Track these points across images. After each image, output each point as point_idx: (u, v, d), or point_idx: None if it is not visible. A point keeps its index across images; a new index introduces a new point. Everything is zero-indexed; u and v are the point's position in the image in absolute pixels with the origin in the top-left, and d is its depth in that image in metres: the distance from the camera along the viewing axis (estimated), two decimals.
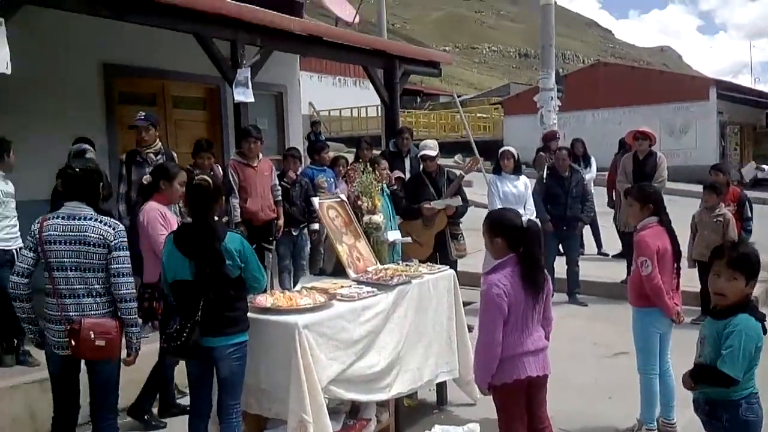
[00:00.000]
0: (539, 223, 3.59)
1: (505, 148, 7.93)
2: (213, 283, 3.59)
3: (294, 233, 7.32)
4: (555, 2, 12.56)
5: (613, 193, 9.44)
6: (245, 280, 3.78)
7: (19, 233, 5.35)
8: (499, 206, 7.26)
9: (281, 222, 7.14)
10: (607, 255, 10.26)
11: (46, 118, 7.39)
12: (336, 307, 4.14)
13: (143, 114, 6.41)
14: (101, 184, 3.82)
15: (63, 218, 3.64)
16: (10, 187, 5.33)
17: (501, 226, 3.49)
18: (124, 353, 3.83)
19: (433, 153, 6.91)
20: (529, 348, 3.45)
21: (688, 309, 6.59)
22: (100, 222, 3.65)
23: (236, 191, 6.74)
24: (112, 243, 3.63)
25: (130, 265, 3.72)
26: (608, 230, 10.19)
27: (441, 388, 5.33)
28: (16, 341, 5.24)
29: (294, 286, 6.67)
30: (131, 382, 4.99)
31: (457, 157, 26.30)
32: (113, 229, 3.66)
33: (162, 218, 4.65)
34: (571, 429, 4.74)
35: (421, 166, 7.13)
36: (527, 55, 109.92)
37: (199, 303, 3.62)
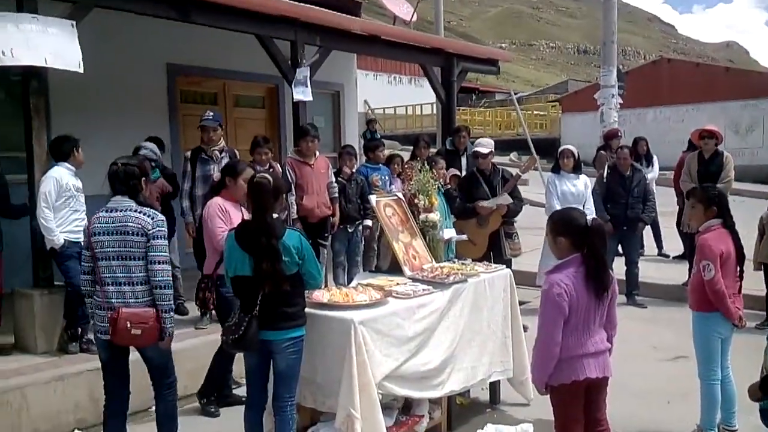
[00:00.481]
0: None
1: (565, 146, 7.82)
2: (270, 279, 3.67)
3: (349, 230, 7.39)
4: None
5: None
6: (302, 277, 3.86)
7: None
8: (557, 206, 7.20)
9: (336, 219, 7.22)
10: (668, 256, 10.02)
11: (113, 116, 7.68)
12: (391, 304, 4.18)
13: (211, 114, 6.54)
14: (143, 178, 4.02)
15: (107, 211, 3.87)
16: (79, 183, 5.53)
17: (565, 225, 3.44)
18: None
19: (485, 150, 6.87)
20: (590, 350, 3.40)
21: (752, 313, 6.43)
22: (139, 212, 3.84)
23: (293, 188, 6.85)
24: (150, 232, 3.80)
25: (167, 254, 3.89)
26: (669, 231, 9.96)
27: (494, 387, 5.32)
28: (80, 330, 5.45)
29: (347, 282, 6.78)
30: (191, 372, 5.18)
31: (513, 155, 26.10)
32: (151, 218, 3.84)
33: (222, 213, 4.76)
34: None
35: (475, 166, 7.11)
36: (586, 51, 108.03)
37: (257, 298, 3.72)
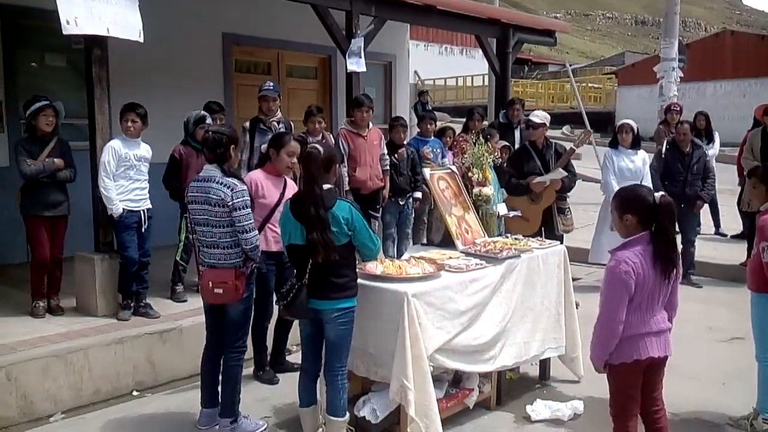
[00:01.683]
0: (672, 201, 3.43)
1: (624, 121, 7.59)
2: (320, 248, 3.70)
3: (401, 202, 7.38)
4: None
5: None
6: (356, 248, 3.88)
7: (147, 195, 5.67)
8: (614, 182, 7.07)
9: (387, 191, 7.21)
10: (725, 235, 9.75)
11: (168, 85, 7.80)
12: (444, 277, 4.18)
13: (271, 84, 6.58)
14: (232, 146, 4.19)
15: (199, 181, 4.16)
16: (142, 151, 5.61)
17: (633, 203, 3.35)
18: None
19: (538, 120, 6.71)
20: (653, 328, 3.35)
21: None
22: (222, 184, 4.04)
23: (345, 160, 6.86)
24: (230, 203, 4.01)
25: (251, 221, 4.11)
26: (728, 209, 9.68)
27: (544, 363, 5.29)
28: (135, 296, 5.61)
29: (397, 255, 6.81)
30: None
31: (566, 129, 25.61)
32: (231, 190, 4.02)
33: (252, 189, 4.64)
34: (682, 414, 4.60)
35: (526, 140, 6.98)
36: (644, 22, 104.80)
37: (307, 266, 3.78)
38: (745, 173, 7.83)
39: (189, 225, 4.37)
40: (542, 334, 4.88)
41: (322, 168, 3.79)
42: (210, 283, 4.10)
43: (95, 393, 4.94)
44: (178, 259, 6.08)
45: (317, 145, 3.89)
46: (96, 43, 5.40)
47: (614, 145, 7.44)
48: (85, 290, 5.63)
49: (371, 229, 4.04)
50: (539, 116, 6.79)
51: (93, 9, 5.14)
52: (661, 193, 3.41)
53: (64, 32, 5.01)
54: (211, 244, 4.13)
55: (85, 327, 5.26)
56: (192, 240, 4.36)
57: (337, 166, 3.98)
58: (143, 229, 5.61)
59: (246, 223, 4.07)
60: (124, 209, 5.44)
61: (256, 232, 4.21)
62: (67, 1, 4.99)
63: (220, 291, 4.09)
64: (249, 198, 4.15)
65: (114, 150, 5.40)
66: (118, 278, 5.58)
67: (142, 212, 5.59)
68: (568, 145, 6.92)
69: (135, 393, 5.11)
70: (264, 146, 5.36)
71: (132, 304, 5.57)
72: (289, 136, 4.94)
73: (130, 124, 5.51)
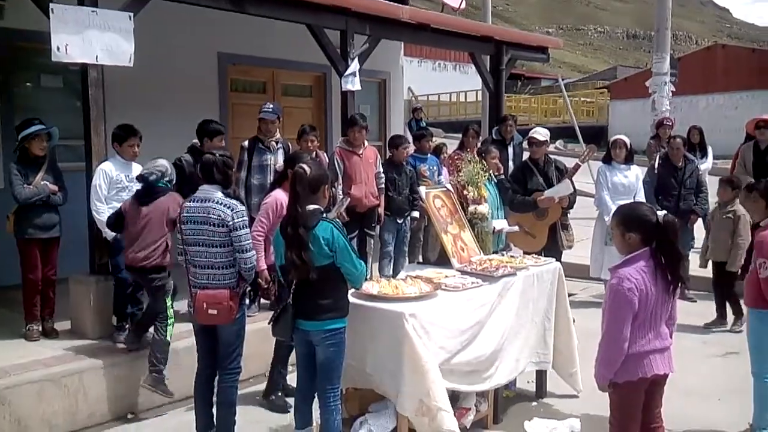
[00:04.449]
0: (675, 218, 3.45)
1: (618, 136, 7.62)
2: (295, 268, 3.71)
3: (398, 221, 7.39)
4: None
5: None
6: (341, 270, 3.82)
7: None
8: (607, 197, 7.11)
9: (382, 209, 7.23)
10: None
11: (164, 105, 7.81)
12: (441, 296, 4.20)
13: (271, 106, 6.66)
14: (233, 169, 4.30)
15: (196, 201, 4.17)
16: (134, 173, 5.49)
17: (636, 221, 3.35)
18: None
19: (541, 138, 6.76)
20: (657, 346, 3.35)
21: None
22: (223, 205, 4.09)
23: (341, 178, 6.89)
24: (230, 223, 4.06)
25: (250, 242, 4.16)
26: None
27: (540, 380, 5.31)
28: (131, 318, 5.58)
29: (393, 273, 6.81)
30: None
31: (559, 143, 25.70)
32: (232, 210, 4.08)
33: (276, 208, 4.82)
34: (680, 430, 4.60)
35: (527, 155, 7.01)
36: (636, 36, 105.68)
37: (291, 286, 3.81)
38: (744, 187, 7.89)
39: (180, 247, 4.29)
40: (529, 350, 4.90)
41: (308, 188, 3.78)
42: (204, 304, 4.09)
43: (90, 416, 4.91)
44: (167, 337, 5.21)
45: (305, 165, 3.89)
46: (92, 66, 5.42)
47: (607, 160, 7.46)
48: (80, 312, 5.60)
49: (363, 251, 4.05)
50: (541, 133, 6.83)
51: (86, 36, 5.19)
52: (664, 212, 3.43)
53: (54, 59, 5.08)
54: (205, 264, 4.13)
55: (80, 350, 5.24)
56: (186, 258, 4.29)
57: (327, 187, 3.96)
58: None
59: (245, 243, 4.11)
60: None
61: (254, 252, 4.25)
62: (61, 26, 5.04)
63: (215, 312, 4.09)
64: (248, 219, 4.20)
65: (105, 173, 5.39)
66: (113, 300, 5.55)
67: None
68: (567, 162, 6.94)
69: (130, 416, 5.08)
70: (279, 165, 5.51)
71: (127, 326, 5.55)
72: (303, 156, 4.99)
73: (137, 149, 5.57)
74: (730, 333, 6.70)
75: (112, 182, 5.41)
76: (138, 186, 5.13)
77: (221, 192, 4.17)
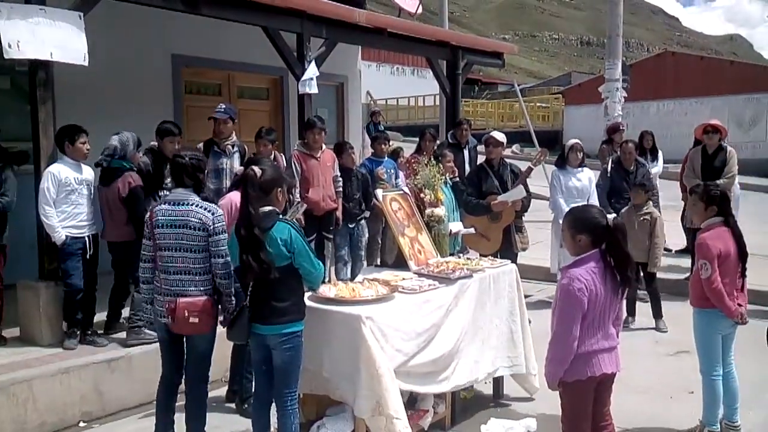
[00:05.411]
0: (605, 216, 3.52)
1: (575, 141, 7.73)
2: (250, 269, 3.67)
3: (351, 225, 7.38)
4: None
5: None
6: (299, 271, 3.80)
7: (92, 220, 5.53)
8: (562, 200, 7.22)
9: (340, 213, 7.22)
10: (670, 251, 10.01)
11: (117, 107, 7.64)
12: (398, 299, 4.20)
13: (223, 106, 6.58)
14: (206, 172, 4.18)
15: (170, 204, 4.01)
16: (85, 174, 5.48)
17: (585, 224, 3.41)
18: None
19: (500, 138, 6.85)
20: (604, 345, 3.41)
21: (755, 309, 6.43)
22: (202, 208, 3.97)
23: (298, 181, 6.85)
24: (211, 227, 3.93)
25: (226, 247, 3.97)
26: (673, 225, 9.96)
27: (498, 381, 5.35)
28: (82, 325, 5.47)
29: (351, 277, 6.79)
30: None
31: (515, 147, 26.01)
32: (212, 214, 3.96)
33: (231, 210, 4.71)
34: (631, 428, 4.69)
35: (482, 159, 7.07)
36: (589, 42, 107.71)
37: (247, 289, 3.77)
38: (687, 190, 8.10)
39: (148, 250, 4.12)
40: (493, 353, 4.92)
41: (259, 189, 3.75)
42: (186, 312, 3.90)
43: (41, 425, 4.79)
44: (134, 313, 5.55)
45: (256, 167, 3.85)
46: (41, 66, 5.30)
47: (561, 164, 7.58)
48: (30, 319, 5.46)
49: (321, 254, 4.01)
50: (500, 135, 6.93)
51: (36, 32, 5.07)
52: (613, 215, 3.50)
53: (6, 56, 4.95)
54: (182, 270, 3.95)
55: (29, 357, 5.10)
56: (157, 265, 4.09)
57: (281, 190, 3.93)
58: (88, 255, 5.47)
59: (223, 248, 3.95)
60: (67, 236, 5.30)
61: (230, 261, 4.00)
62: (10, 24, 4.92)
63: (197, 320, 3.93)
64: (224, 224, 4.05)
65: (53, 175, 5.25)
66: (62, 306, 5.42)
67: (87, 238, 5.44)
68: (522, 165, 7.03)
69: (82, 424, 4.97)
70: (237, 168, 5.48)
71: (78, 332, 5.42)
72: (265, 161, 4.88)
73: (88, 146, 5.46)
74: (684, 333, 6.84)
75: (61, 185, 5.28)
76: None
77: (197, 196, 4.03)
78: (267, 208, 3.75)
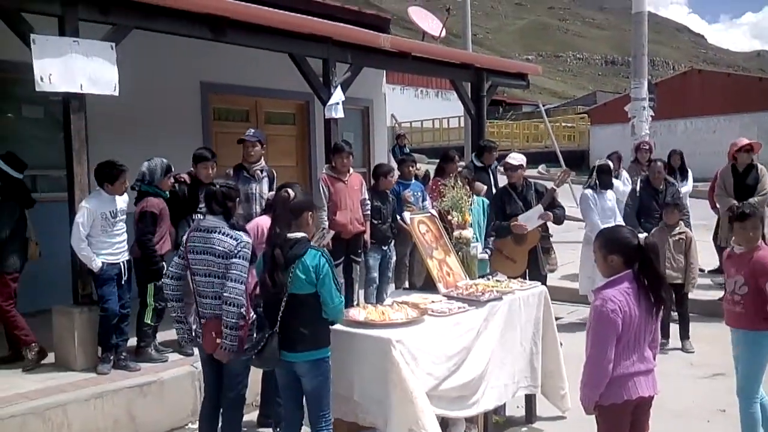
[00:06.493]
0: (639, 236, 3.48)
1: (607, 162, 7.73)
2: (267, 287, 3.72)
3: (384, 248, 7.39)
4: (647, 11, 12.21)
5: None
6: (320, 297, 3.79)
7: (126, 246, 5.62)
8: (599, 221, 7.18)
9: (368, 236, 7.23)
10: (703, 270, 9.84)
11: (147, 134, 7.77)
12: (428, 322, 4.19)
13: (252, 130, 6.69)
14: (237, 200, 4.26)
15: (202, 231, 4.14)
16: (120, 204, 5.55)
17: (618, 244, 3.37)
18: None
19: (515, 162, 6.80)
20: (641, 368, 3.35)
21: None
22: (227, 236, 4.05)
23: (326, 204, 6.88)
24: (233, 252, 3.99)
25: (243, 274, 3.99)
26: (704, 245, 9.81)
27: (530, 404, 5.28)
28: (115, 349, 5.51)
29: (378, 298, 6.79)
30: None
31: (542, 168, 26.01)
32: (236, 241, 4.03)
33: (257, 234, 4.77)
34: None
35: (503, 179, 7.06)
36: (614, 62, 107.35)
37: (277, 314, 3.77)
38: (721, 209, 7.97)
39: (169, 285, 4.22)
40: (518, 374, 4.88)
41: (289, 212, 3.81)
42: (213, 333, 4.02)
43: None
44: (148, 321, 5.67)
45: (290, 189, 3.89)
46: (73, 95, 5.41)
47: (601, 185, 7.56)
48: (64, 344, 5.52)
49: (348, 277, 4.02)
50: (516, 158, 6.88)
51: (68, 65, 5.19)
52: (644, 234, 3.45)
53: (37, 89, 5.07)
54: (213, 295, 4.05)
55: (63, 382, 5.15)
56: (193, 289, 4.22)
57: (311, 215, 3.96)
58: (123, 281, 5.55)
59: (237, 272, 3.95)
60: (104, 263, 5.38)
61: (243, 288, 4.00)
62: (44, 56, 5.04)
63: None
64: (251, 253, 4.07)
65: (89, 211, 5.30)
66: (97, 331, 5.48)
67: (122, 264, 5.53)
68: (549, 185, 7.00)
69: None
70: (269, 194, 5.55)
71: (112, 357, 5.48)
72: (296, 186, 4.82)
73: (127, 184, 5.58)
74: (719, 354, 6.71)
75: (96, 220, 5.34)
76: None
77: (227, 223, 4.11)
78: (298, 235, 3.79)
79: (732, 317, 4.51)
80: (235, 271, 3.95)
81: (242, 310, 3.98)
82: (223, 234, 4.03)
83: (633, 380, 3.33)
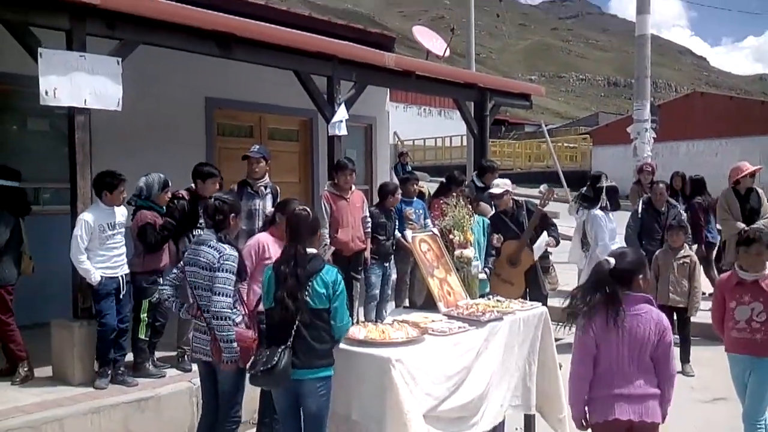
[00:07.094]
0: (610, 261, 3.54)
1: (614, 184, 7.77)
2: (288, 309, 3.69)
3: (385, 264, 7.40)
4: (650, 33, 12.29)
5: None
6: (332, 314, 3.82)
7: (125, 260, 5.61)
8: (609, 243, 7.21)
9: (368, 253, 7.23)
10: (704, 293, 9.82)
11: (152, 148, 7.79)
12: (428, 341, 4.17)
13: (257, 146, 6.70)
14: (232, 215, 4.26)
15: (194, 244, 4.27)
16: (118, 217, 5.53)
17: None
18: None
19: (499, 191, 6.80)
20: (623, 391, 3.41)
21: None
22: (212, 247, 4.06)
23: (328, 221, 6.88)
24: (216, 265, 4.01)
25: (228, 287, 4.01)
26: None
27: (529, 426, 5.24)
28: (113, 364, 5.49)
29: (377, 315, 6.77)
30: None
31: (542, 187, 26.01)
32: (219, 253, 4.04)
33: (259, 251, 4.75)
34: None
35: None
36: (616, 83, 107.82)
37: (291, 329, 3.73)
38: (726, 233, 7.95)
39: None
40: (511, 393, 4.85)
41: (309, 230, 3.84)
42: (216, 344, 4.02)
43: None
44: (142, 337, 5.67)
45: (307, 207, 3.92)
46: (78, 109, 5.44)
47: (610, 207, 7.62)
48: (62, 357, 5.50)
49: (349, 294, 4.04)
50: (499, 185, 6.89)
51: (74, 80, 5.24)
52: (613, 260, 3.50)
53: (42, 102, 5.12)
54: (206, 307, 4.09)
55: (61, 396, 5.12)
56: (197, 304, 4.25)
57: (320, 231, 4.01)
58: (121, 295, 5.53)
59: (222, 286, 3.97)
60: (102, 276, 5.36)
61: (230, 301, 4.03)
62: (49, 72, 5.08)
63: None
64: (236, 266, 4.08)
65: (87, 224, 5.29)
66: (96, 345, 5.46)
67: (120, 278, 5.51)
68: (555, 205, 7.01)
69: None
70: (269, 209, 5.59)
71: (109, 372, 5.46)
72: (295, 202, 4.83)
73: (125, 194, 5.58)
74: (720, 378, 6.67)
75: (95, 233, 5.33)
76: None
77: (215, 236, 4.14)
78: (312, 251, 3.82)
79: (747, 345, 4.48)
80: (219, 285, 3.98)
81: (230, 321, 3.98)
82: (210, 246, 4.08)
83: (612, 402, 3.42)
